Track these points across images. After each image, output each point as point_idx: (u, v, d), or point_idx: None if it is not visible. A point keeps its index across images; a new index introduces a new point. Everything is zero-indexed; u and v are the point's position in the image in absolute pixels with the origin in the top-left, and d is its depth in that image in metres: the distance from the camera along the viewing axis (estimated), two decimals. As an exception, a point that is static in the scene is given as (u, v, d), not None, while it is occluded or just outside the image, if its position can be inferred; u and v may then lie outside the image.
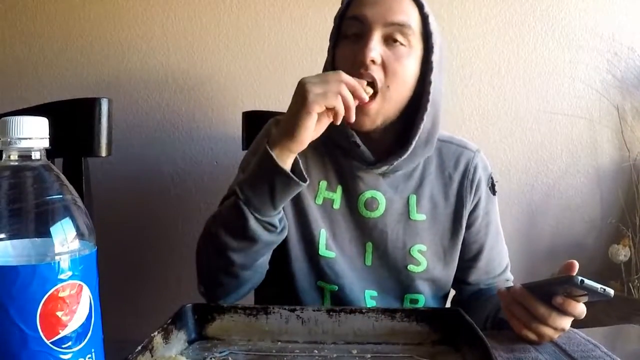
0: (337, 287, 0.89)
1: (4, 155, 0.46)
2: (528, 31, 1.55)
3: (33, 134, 0.46)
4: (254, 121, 1.23)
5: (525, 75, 1.56)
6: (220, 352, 0.65)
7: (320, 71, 0.86)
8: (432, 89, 0.83)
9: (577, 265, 0.65)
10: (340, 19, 0.86)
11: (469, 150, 0.95)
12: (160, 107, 1.48)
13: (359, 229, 0.90)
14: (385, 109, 0.82)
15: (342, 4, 0.87)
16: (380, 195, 0.89)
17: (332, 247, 0.89)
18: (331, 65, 0.86)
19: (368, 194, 0.89)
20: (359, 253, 0.90)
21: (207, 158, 1.49)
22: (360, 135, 0.85)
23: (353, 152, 0.87)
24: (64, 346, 0.45)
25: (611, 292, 0.61)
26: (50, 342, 0.44)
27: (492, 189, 0.95)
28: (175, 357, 0.59)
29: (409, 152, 0.85)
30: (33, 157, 0.46)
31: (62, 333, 0.44)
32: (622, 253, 1.54)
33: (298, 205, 0.89)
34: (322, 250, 0.89)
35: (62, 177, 0.48)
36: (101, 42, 1.46)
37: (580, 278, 0.61)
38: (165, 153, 1.48)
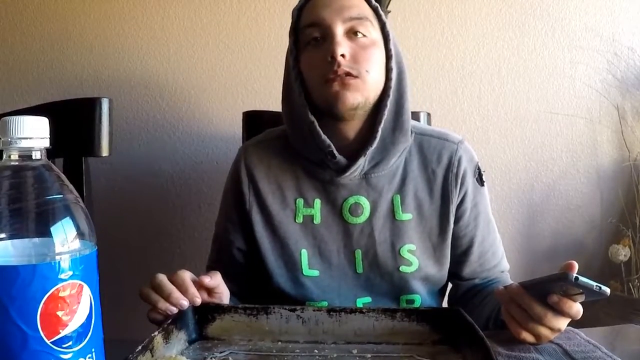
0: (327, 303, 0.89)
1: (4, 155, 0.46)
2: (528, 31, 1.55)
3: (33, 133, 0.46)
4: (254, 121, 1.23)
5: (525, 75, 1.56)
6: (221, 352, 0.65)
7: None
8: (393, 75, 0.85)
9: (576, 265, 0.64)
10: (295, 31, 0.87)
11: (451, 143, 0.93)
12: (160, 107, 1.48)
13: (345, 237, 0.89)
14: (366, 89, 0.82)
15: (292, 17, 0.88)
16: (364, 199, 0.89)
17: (316, 265, 0.89)
18: (298, 77, 0.86)
19: (351, 200, 0.89)
20: (349, 262, 0.90)
21: (207, 158, 1.49)
22: (333, 139, 0.85)
23: (327, 162, 0.87)
24: (64, 346, 0.45)
25: (607, 290, 0.60)
26: (51, 342, 0.44)
27: (480, 179, 0.93)
28: (175, 357, 0.59)
29: (377, 139, 0.84)
30: (33, 157, 0.46)
31: (63, 333, 0.44)
32: (622, 253, 1.54)
33: (276, 232, 0.90)
34: (306, 271, 0.89)
35: (63, 176, 0.48)
36: (101, 42, 1.46)
37: (574, 275, 0.59)
38: (165, 153, 1.48)
